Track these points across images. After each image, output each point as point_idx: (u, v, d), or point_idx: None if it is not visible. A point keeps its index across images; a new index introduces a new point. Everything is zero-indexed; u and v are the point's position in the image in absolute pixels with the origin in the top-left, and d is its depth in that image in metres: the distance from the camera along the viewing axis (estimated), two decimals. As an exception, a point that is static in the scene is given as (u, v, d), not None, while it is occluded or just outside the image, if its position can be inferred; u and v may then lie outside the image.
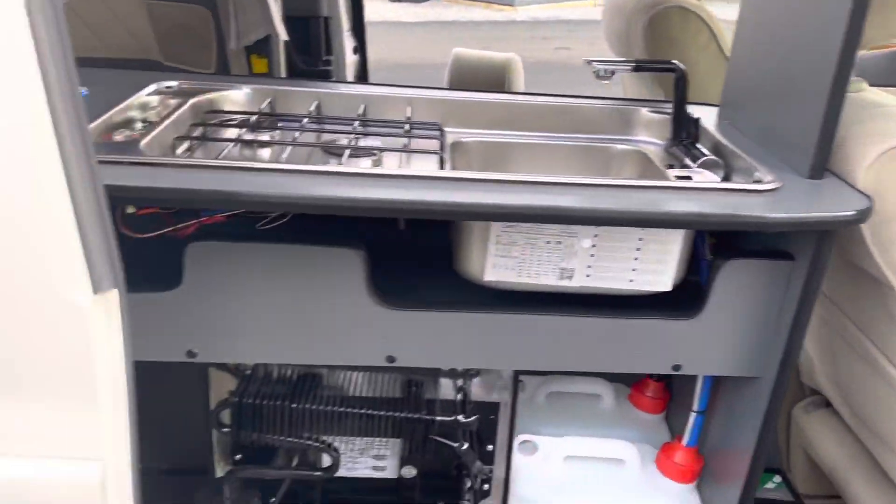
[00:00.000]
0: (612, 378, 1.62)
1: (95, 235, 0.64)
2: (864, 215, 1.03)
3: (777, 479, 1.80)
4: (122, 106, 1.22)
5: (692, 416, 1.38)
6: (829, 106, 1.06)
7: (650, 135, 1.44)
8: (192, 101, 1.32)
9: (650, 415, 1.57)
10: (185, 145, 1.19)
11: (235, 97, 1.40)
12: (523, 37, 10.04)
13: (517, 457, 1.40)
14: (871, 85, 1.40)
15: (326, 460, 1.27)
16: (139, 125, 1.21)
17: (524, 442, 1.43)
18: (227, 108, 1.37)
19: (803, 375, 1.92)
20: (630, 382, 1.62)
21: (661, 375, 1.56)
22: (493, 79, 2.80)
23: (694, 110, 1.37)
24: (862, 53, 3.43)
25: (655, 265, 1.12)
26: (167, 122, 1.21)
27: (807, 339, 1.76)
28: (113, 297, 0.66)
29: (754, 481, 1.28)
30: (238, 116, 1.33)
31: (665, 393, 1.57)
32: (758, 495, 1.75)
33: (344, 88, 1.55)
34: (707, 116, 1.42)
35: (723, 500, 1.35)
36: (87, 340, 0.66)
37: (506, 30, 10.91)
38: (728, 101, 1.42)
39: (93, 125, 1.14)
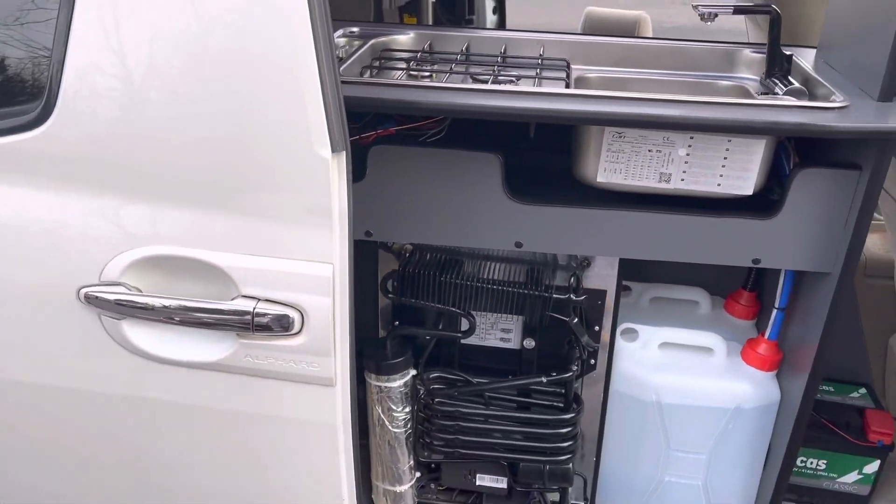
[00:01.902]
0: (710, 289, 1.86)
1: (334, 115, 0.97)
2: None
3: (863, 390, 1.98)
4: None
5: (774, 313, 1.60)
6: (896, 38, 1.26)
7: (751, 72, 1.66)
8: (371, 42, 1.68)
9: (742, 320, 1.80)
10: (368, 74, 1.55)
11: (403, 40, 1.75)
12: (664, 1, 9.90)
13: (619, 340, 1.68)
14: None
15: (465, 325, 1.60)
16: (334, 57, 1.58)
17: (626, 329, 1.71)
18: (397, 48, 1.72)
19: (902, 304, 2.07)
20: (726, 294, 1.86)
21: (753, 286, 1.78)
22: (623, 35, 3.01)
23: (800, 52, 1.58)
24: None
25: (740, 171, 1.36)
26: (354, 56, 1.57)
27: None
28: (342, 157, 1.00)
29: (819, 372, 1.48)
30: (406, 54, 1.68)
31: (756, 303, 1.80)
32: (842, 401, 1.96)
33: (487, 34, 1.86)
34: (809, 57, 1.63)
35: (796, 388, 1.57)
36: (328, 183, 0.99)
37: (645, -6, 10.77)
38: (824, 42, 1.62)
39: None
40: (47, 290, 1.10)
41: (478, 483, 1.69)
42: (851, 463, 1.85)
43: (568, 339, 1.62)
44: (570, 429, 1.58)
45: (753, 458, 1.70)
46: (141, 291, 1.07)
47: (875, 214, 2.41)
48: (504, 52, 1.70)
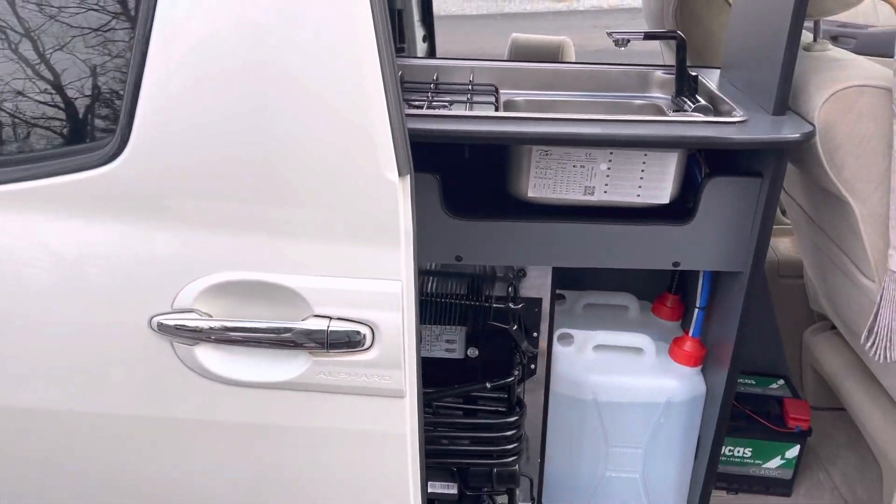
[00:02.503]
0: (638, 294, 1.99)
1: (400, 140, 1.02)
2: (807, 137, 1.38)
3: (781, 381, 2.14)
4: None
5: (696, 312, 1.74)
6: (785, 58, 1.41)
7: (663, 92, 1.82)
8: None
9: (668, 321, 1.93)
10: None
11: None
12: (585, 26, 10.28)
13: (556, 345, 1.79)
14: (874, 56, 1.72)
15: (411, 338, 1.68)
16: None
17: (562, 334, 1.82)
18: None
19: (811, 302, 2.25)
20: (652, 298, 1.99)
21: (677, 289, 1.92)
22: (547, 61, 3.15)
23: (706, 72, 1.73)
24: (883, 28, 3.72)
25: (657, 182, 1.49)
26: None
27: (807, 266, 2.10)
28: (406, 180, 1.05)
29: (738, 365, 1.61)
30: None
31: (680, 304, 1.93)
32: (763, 392, 2.11)
33: (419, 62, 1.97)
34: (714, 76, 1.79)
35: (719, 381, 1.70)
36: (395, 204, 1.02)
37: (568, 20, 11.16)
38: (726, 63, 1.78)
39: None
40: (120, 322, 1.11)
41: (429, 490, 1.76)
42: (774, 449, 2.00)
43: (509, 346, 1.71)
44: (514, 431, 1.67)
45: (685, 449, 1.82)
46: (212, 317, 1.09)
47: (784, 220, 2.60)
48: (436, 80, 1.81)
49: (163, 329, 1.08)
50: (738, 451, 2.01)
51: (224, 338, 1.09)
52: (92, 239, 1.08)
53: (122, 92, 1.05)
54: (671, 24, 2.41)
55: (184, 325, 1.08)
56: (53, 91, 1.13)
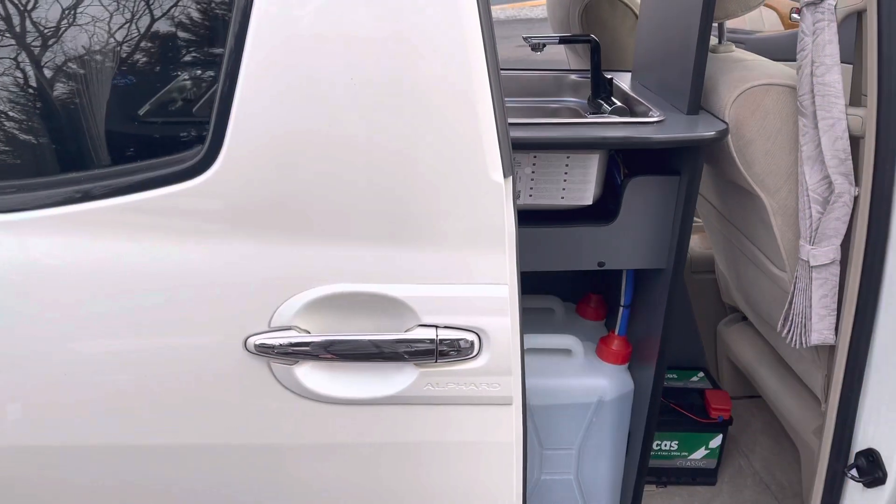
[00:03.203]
0: (563, 297, 2.01)
1: (504, 142, 0.99)
2: (722, 135, 1.43)
3: (701, 374, 2.20)
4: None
5: (621, 310, 1.77)
6: (696, 60, 1.45)
7: (578, 95, 1.84)
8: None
9: (593, 321, 1.96)
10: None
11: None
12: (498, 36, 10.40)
13: (487, 351, 1.77)
14: (778, 60, 1.80)
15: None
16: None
17: (492, 340, 1.81)
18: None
19: (723, 295, 2.33)
20: (577, 300, 2.01)
21: (600, 289, 1.95)
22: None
23: (618, 76, 1.77)
24: (769, 34, 3.94)
25: (580, 184, 1.51)
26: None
27: (719, 261, 2.17)
28: (509, 181, 1.00)
29: (664, 360, 1.65)
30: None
31: (604, 304, 1.96)
32: (685, 386, 2.16)
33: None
34: (626, 79, 1.83)
35: (646, 377, 1.73)
36: (501, 206, 1.00)
37: (501, 29, 11.24)
38: (637, 66, 1.83)
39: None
40: (212, 346, 1.03)
41: None
42: (699, 440, 2.05)
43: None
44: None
45: (616, 447, 1.85)
46: (310, 333, 1.02)
47: (695, 218, 2.70)
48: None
49: (260, 349, 1.01)
50: (665, 445, 2.05)
51: (327, 354, 1.02)
52: (179, 257, 1.00)
53: (211, 99, 0.97)
54: (577, 30, 2.46)
55: (284, 344, 1.01)
56: (135, 102, 1.06)
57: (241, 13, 0.94)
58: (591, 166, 1.49)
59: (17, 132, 1.10)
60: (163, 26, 1.05)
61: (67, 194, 1.00)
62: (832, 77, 1.33)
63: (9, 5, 1.04)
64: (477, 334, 1.02)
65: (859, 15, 1.32)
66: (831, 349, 1.53)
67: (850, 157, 1.36)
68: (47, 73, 1.06)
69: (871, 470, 1.41)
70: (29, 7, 1.04)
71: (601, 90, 1.69)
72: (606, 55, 2.55)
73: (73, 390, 1.03)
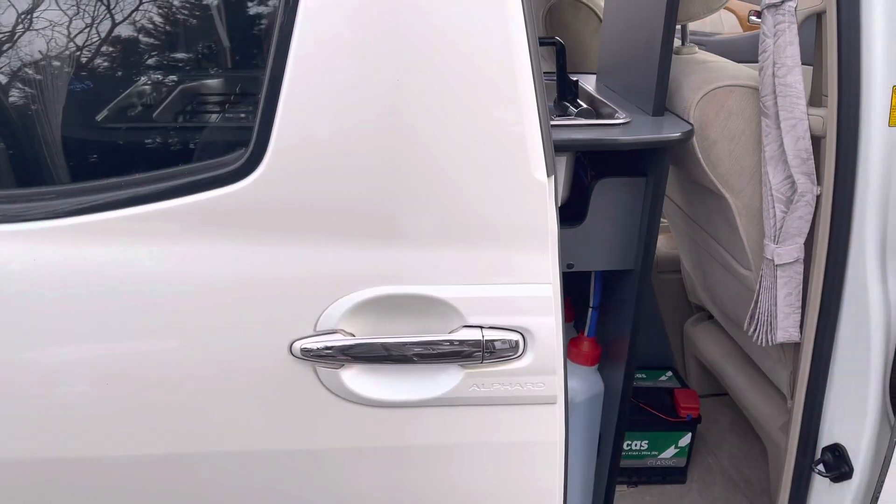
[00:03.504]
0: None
1: (547, 142, 0.99)
2: (687, 136, 1.44)
3: (669, 373, 2.22)
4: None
5: (590, 312, 1.77)
6: (661, 62, 1.46)
7: (544, 97, 1.84)
8: (180, 87, 1.65)
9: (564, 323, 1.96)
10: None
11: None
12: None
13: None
14: (738, 61, 1.82)
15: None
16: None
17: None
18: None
19: (689, 294, 2.35)
20: (545, 301, 2.01)
21: (568, 291, 1.95)
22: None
23: (583, 78, 1.77)
24: (729, 36, 4.01)
25: (547, 187, 1.50)
26: (166, 102, 1.54)
27: (685, 261, 2.19)
28: (552, 181, 1.01)
29: (634, 360, 1.65)
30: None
31: (571, 306, 1.97)
32: (653, 385, 2.18)
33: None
34: (591, 81, 1.84)
35: (615, 378, 1.74)
36: (545, 206, 1.00)
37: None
38: (602, 69, 1.84)
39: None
40: (257, 351, 1.01)
41: None
42: (668, 439, 2.07)
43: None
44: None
45: (588, 447, 1.85)
46: (354, 336, 1.01)
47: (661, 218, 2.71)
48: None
49: (306, 353, 1.00)
50: (636, 445, 2.06)
51: (373, 357, 1.02)
52: (223, 262, 0.99)
53: (255, 102, 0.97)
54: (541, 33, 2.47)
55: (330, 348, 1.00)
56: (178, 106, 1.06)
57: (285, 14, 0.93)
58: (560, 168, 1.49)
59: (59, 137, 1.10)
60: (206, 30, 1.06)
61: (110, 200, 0.98)
62: (793, 78, 1.35)
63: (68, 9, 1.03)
64: (521, 334, 1.02)
65: (819, 17, 1.34)
66: (796, 346, 1.56)
67: (812, 157, 1.38)
68: (89, 78, 1.07)
69: (837, 465, 1.44)
70: (81, 15, 1.03)
71: (567, 93, 1.70)
72: (570, 57, 2.56)
73: (114, 399, 1.02)
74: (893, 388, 1.35)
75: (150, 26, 1.05)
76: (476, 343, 1.01)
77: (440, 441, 1.08)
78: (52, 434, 1.02)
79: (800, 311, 1.50)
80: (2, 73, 1.06)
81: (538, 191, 0.99)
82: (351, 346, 1.00)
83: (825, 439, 1.47)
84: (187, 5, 1.06)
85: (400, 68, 0.94)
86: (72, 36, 1.04)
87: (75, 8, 1.03)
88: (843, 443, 1.43)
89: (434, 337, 1.01)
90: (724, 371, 2.13)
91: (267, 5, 1.01)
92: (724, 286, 1.88)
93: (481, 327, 1.01)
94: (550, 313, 1.02)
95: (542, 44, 2.09)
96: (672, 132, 1.43)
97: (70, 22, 1.03)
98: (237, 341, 1.01)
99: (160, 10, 1.04)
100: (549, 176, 1.00)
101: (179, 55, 1.07)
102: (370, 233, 0.99)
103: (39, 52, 1.05)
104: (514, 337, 1.02)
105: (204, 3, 1.06)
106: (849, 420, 1.42)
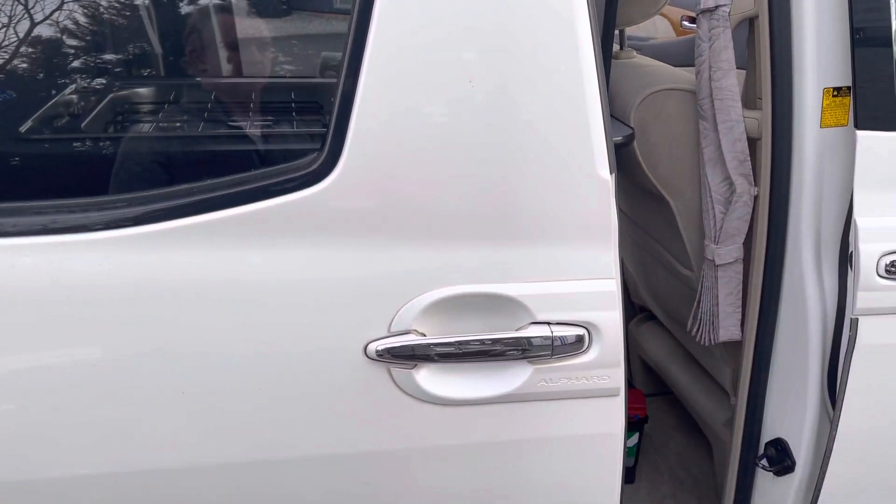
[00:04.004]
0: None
1: (610, 143, 1.02)
2: (629, 140, 1.45)
3: (615, 374, 2.23)
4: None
5: (536, 316, 1.77)
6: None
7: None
8: (109, 96, 1.60)
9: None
10: (113, 129, 1.47)
11: (145, 93, 1.68)
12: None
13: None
14: (674, 65, 1.85)
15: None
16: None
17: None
18: (141, 101, 1.64)
19: (633, 295, 2.38)
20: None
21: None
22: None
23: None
24: (664, 40, 4.07)
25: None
26: (94, 111, 1.48)
27: (628, 262, 2.22)
28: (614, 177, 1.04)
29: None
30: (154, 106, 1.62)
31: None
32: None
33: (234, 80, 1.85)
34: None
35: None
36: (607, 202, 1.03)
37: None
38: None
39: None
40: (332, 354, 1.01)
41: None
42: (616, 440, 2.08)
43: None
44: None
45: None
46: (425, 336, 1.02)
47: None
48: (255, 98, 1.71)
49: (381, 355, 1.00)
50: (585, 447, 2.07)
51: (447, 356, 1.02)
52: (296, 266, 1.00)
53: (330, 106, 0.98)
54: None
55: (405, 348, 1.00)
56: (249, 111, 1.08)
57: (359, 17, 0.95)
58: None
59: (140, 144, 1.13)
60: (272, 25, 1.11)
61: (185, 206, 0.98)
62: (729, 81, 1.38)
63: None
64: (587, 329, 1.04)
65: (751, 21, 1.37)
66: (738, 344, 1.59)
67: (749, 159, 1.41)
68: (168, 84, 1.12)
69: (780, 459, 1.47)
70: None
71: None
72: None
73: (191, 407, 1.01)
74: (831, 381, 1.39)
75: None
76: (545, 339, 1.02)
77: (511, 437, 1.10)
78: (140, 446, 1.02)
79: (740, 309, 1.53)
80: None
81: (602, 187, 1.02)
82: (425, 346, 1.01)
83: (768, 434, 1.51)
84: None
85: (472, 71, 0.96)
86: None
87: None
88: (785, 437, 1.46)
89: (506, 334, 1.03)
90: (669, 370, 2.16)
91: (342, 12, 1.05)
92: (667, 286, 1.90)
93: (549, 323, 1.03)
94: (615, 307, 1.05)
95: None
96: (615, 136, 1.44)
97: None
98: (312, 346, 1.01)
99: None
100: (611, 173, 1.03)
101: (252, 60, 1.12)
102: (441, 233, 1.01)
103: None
104: (580, 332, 1.04)
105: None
106: (790, 414, 1.45)
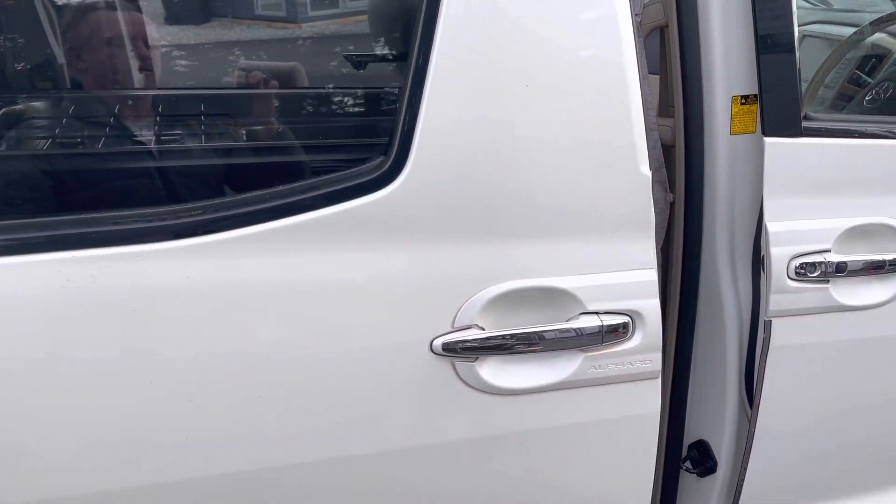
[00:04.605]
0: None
1: (650, 142, 1.11)
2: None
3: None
4: None
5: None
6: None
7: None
8: (2, 111, 1.49)
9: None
10: (6, 146, 1.38)
11: (40, 106, 1.58)
12: (311, 52, 10.26)
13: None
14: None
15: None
16: None
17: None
18: (36, 115, 1.55)
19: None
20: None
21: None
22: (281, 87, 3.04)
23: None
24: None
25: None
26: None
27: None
28: (651, 174, 1.11)
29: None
30: (49, 121, 1.52)
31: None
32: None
33: (138, 93, 1.77)
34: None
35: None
36: (648, 197, 1.10)
37: (294, 46, 11.08)
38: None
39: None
40: (401, 350, 1.06)
41: None
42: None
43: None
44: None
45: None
46: (484, 329, 1.07)
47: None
48: (161, 111, 1.63)
49: (447, 349, 1.05)
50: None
51: (507, 348, 1.08)
52: (364, 267, 1.04)
53: (397, 110, 1.03)
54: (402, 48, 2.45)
55: (469, 342, 1.06)
56: (312, 116, 1.15)
57: (425, 27, 1.00)
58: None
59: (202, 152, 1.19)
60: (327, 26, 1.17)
61: (253, 214, 1.01)
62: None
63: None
64: (631, 317, 1.12)
65: (662, 30, 1.39)
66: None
67: (664, 166, 1.43)
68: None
69: (703, 460, 1.49)
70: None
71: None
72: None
73: (266, 406, 1.04)
74: (748, 381, 1.41)
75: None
76: (597, 328, 1.09)
77: (566, 422, 1.16)
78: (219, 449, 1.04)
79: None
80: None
81: (643, 183, 1.10)
82: (486, 340, 1.07)
83: (691, 436, 1.53)
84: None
85: (527, 76, 1.03)
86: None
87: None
88: (706, 438, 1.49)
89: (561, 325, 1.09)
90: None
91: (406, 20, 1.08)
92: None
93: (598, 313, 1.10)
94: (655, 295, 1.13)
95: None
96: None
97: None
98: (381, 344, 1.06)
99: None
100: (650, 169, 1.10)
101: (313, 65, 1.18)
102: (498, 231, 1.07)
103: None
104: (626, 320, 1.12)
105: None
106: (710, 416, 1.47)
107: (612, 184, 1.09)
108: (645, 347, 1.14)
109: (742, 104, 1.29)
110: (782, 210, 1.27)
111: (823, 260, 1.28)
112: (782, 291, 1.28)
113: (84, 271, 0.95)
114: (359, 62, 1.56)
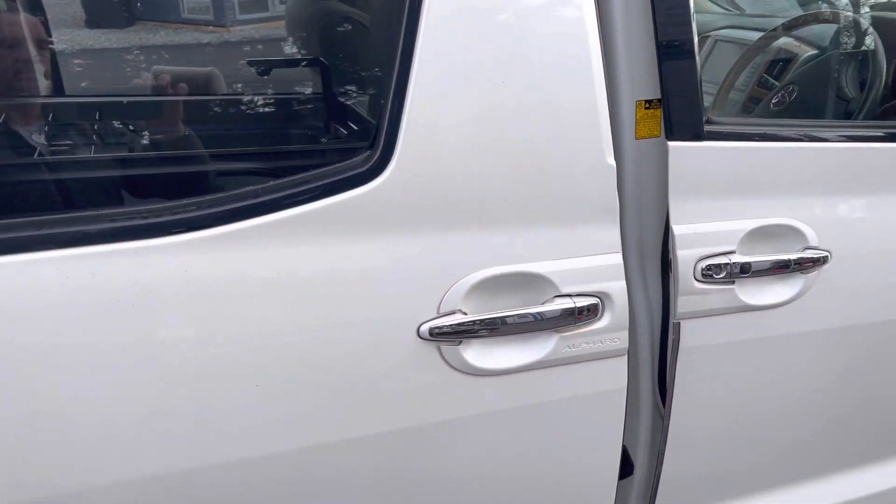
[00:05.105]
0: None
1: (616, 134, 1.21)
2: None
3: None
4: None
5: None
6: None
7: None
8: None
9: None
10: None
11: None
12: (239, 55, 10.08)
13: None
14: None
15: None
16: None
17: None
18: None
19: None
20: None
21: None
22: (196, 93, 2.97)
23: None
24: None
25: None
26: None
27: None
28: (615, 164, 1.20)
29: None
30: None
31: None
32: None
33: (44, 100, 1.70)
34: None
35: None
36: (612, 184, 1.19)
37: (220, 50, 10.88)
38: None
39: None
40: (389, 337, 1.11)
41: None
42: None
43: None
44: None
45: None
46: (466, 314, 1.14)
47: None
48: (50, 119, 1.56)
49: (433, 334, 1.11)
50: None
51: (490, 331, 1.15)
52: (354, 259, 1.08)
53: (383, 105, 1.07)
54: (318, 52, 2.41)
55: (454, 326, 1.12)
56: (297, 110, 1.19)
57: (408, 22, 1.05)
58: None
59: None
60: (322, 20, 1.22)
61: (243, 208, 1.04)
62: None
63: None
64: (600, 298, 1.20)
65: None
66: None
67: None
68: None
69: (620, 462, 1.50)
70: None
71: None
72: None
73: (264, 395, 1.07)
74: (661, 383, 1.43)
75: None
76: (570, 310, 1.17)
77: (546, 399, 1.24)
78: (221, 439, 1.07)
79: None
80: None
81: (609, 174, 1.18)
82: (470, 324, 1.13)
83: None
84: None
85: (506, 73, 1.10)
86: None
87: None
88: (624, 442, 1.49)
89: (539, 308, 1.17)
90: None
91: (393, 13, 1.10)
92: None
93: (570, 295, 1.18)
94: (621, 277, 1.21)
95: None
96: None
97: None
98: (370, 332, 1.10)
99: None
100: (610, 163, 1.18)
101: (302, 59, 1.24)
102: (480, 220, 1.13)
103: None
104: (595, 301, 1.20)
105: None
106: (627, 419, 1.48)
107: (582, 174, 1.17)
108: (613, 326, 1.22)
109: (646, 108, 1.30)
110: (688, 213, 1.29)
111: (728, 261, 1.30)
112: (690, 293, 1.30)
113: (83, 268, 0.98)
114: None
